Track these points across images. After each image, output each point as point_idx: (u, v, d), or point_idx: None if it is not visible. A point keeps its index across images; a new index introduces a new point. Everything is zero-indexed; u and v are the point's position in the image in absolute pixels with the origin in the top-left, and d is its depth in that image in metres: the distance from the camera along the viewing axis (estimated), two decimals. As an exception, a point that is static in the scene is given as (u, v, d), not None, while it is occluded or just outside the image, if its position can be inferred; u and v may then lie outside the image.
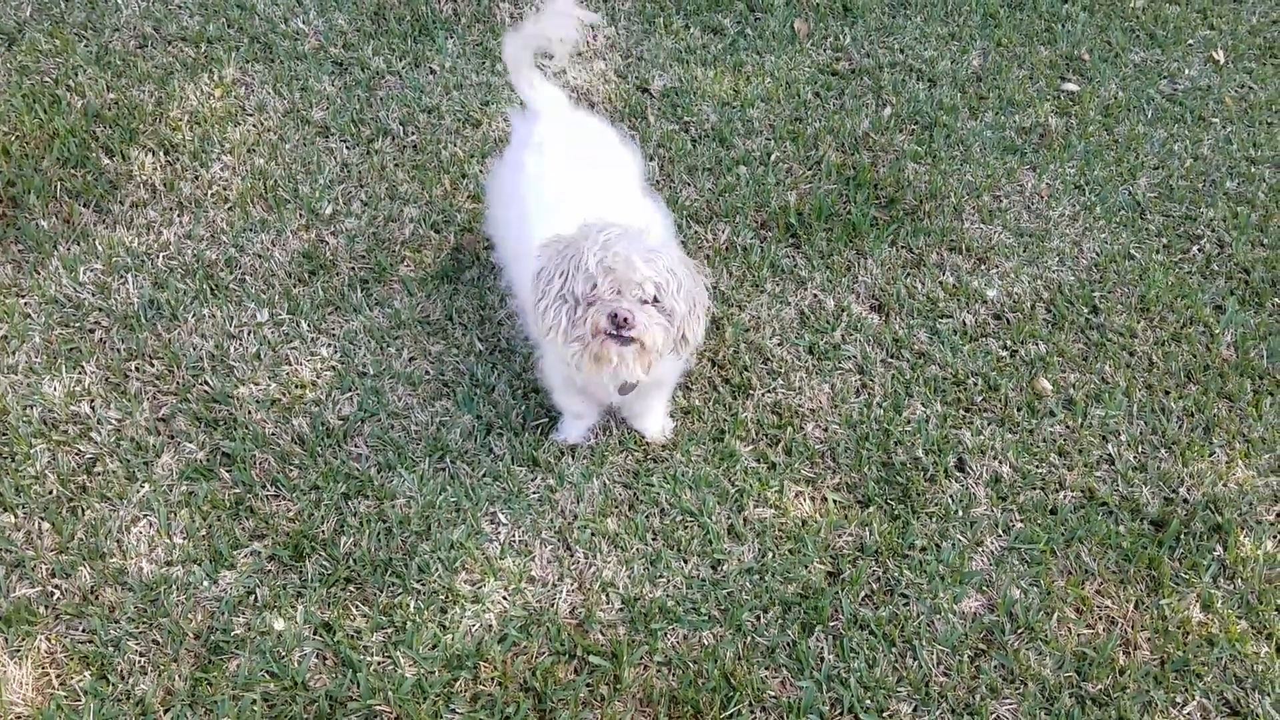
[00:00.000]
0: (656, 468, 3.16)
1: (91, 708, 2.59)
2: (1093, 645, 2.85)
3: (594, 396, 3.00)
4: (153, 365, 3.29)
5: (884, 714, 2.69)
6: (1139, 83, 4.87)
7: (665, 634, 2.83)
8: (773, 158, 4.21)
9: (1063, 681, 2.77)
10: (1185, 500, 3.21)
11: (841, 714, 2.69)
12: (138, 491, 3.00)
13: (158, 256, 3.60)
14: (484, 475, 3.11)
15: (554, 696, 2.67)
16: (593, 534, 3.01)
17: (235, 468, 3.05)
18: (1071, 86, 4.79)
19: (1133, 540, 3.09)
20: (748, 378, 3.40)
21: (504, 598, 2.87)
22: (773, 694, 2.72)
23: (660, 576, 2.94)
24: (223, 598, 2.80)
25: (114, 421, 3.15)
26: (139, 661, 2.68)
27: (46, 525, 2.92)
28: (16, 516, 2.93)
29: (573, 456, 3.17)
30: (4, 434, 3.10)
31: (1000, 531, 3.09)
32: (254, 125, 4.12)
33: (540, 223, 2.81)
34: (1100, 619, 2.93)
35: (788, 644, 2.82)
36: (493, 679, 2.70)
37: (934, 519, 3.10)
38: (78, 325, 3.38)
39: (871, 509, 3.12)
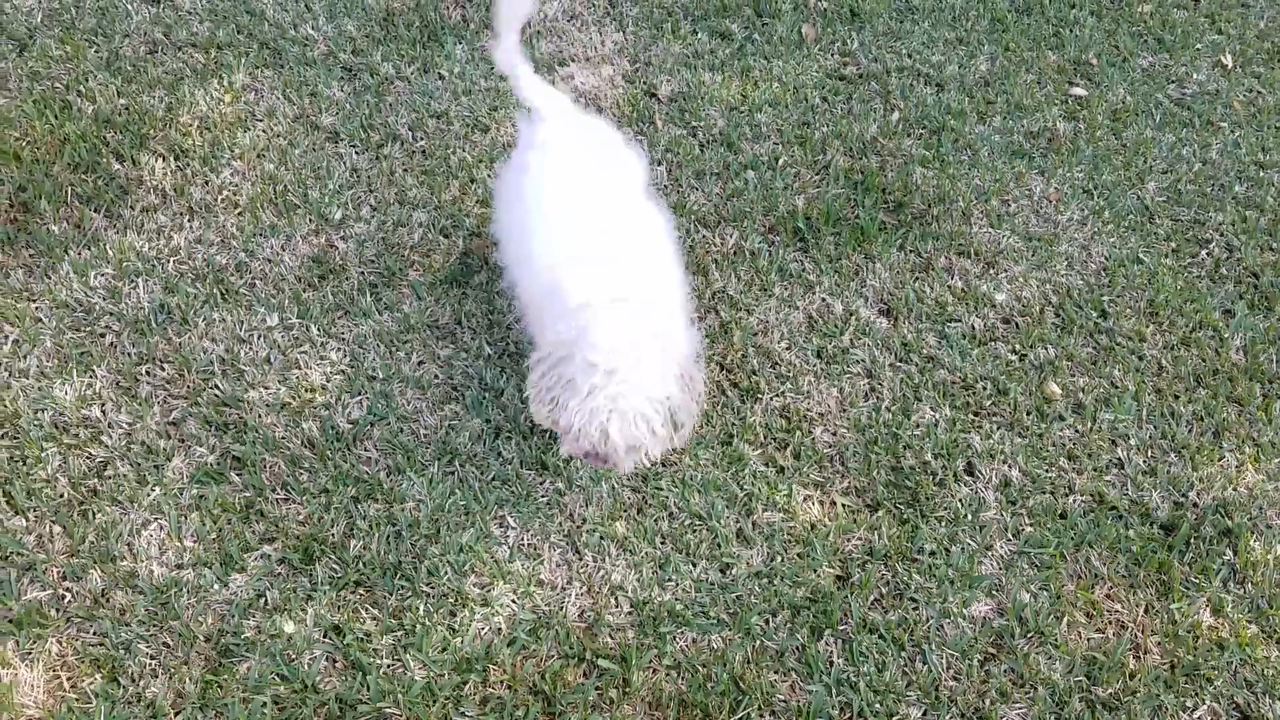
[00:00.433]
0: (665, 472, 3.16)
1: (103, 710, 2.59)
2: (1103, 649, 2.85)
3: None
4: (163, 369, 3.31)
5: (893, 718, 2.69)
6: (1147, 87, 4.87)
7: (674, 637, 2.83)
8: (780, 162, 4.22)
9: (1072, 686, 2.77)
10: (1195, 504, 3.21)
11: (851, 718, 2.70)
12: (148, 495, 3.01)
13: (168, 261, 3.61)
14: (493, 479, 3.12)
15: (563, 700, 2.67)
16: (601, 537, 3.01)
17: (246, 471, 3.06)
18: (1079, 91, 4.79)
19: (1142, 544, 3.08)
20: (756, 382, 3.41)
21: (513, 601, 2.88)
22: (782, 698, 2.73)
23: (669, 580, 2.94)
24: (233, 601, 2.81)
25: (125, 425, 3.16)
26: (150, 664, 2.69)
27: (58, 528, 2.93)
28: (28, 520, 2.94)
29: (581, 460, 3.17)
30: (15, 437, 3.11)
31: (1010, 535, 3.09)
32: (264, 130, 4.14)
33: (541, 223, 2.85)
34: (1110, 623, 2.92)
35: (797, 648, 2.82)
36: (502, 682, 2.71)
37: (943, 523, 3.10)
38: (88, 329, 3.40)
39: (880, 513, 3.12)
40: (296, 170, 3.97)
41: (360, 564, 2.89)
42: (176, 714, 2.61)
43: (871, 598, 2.93)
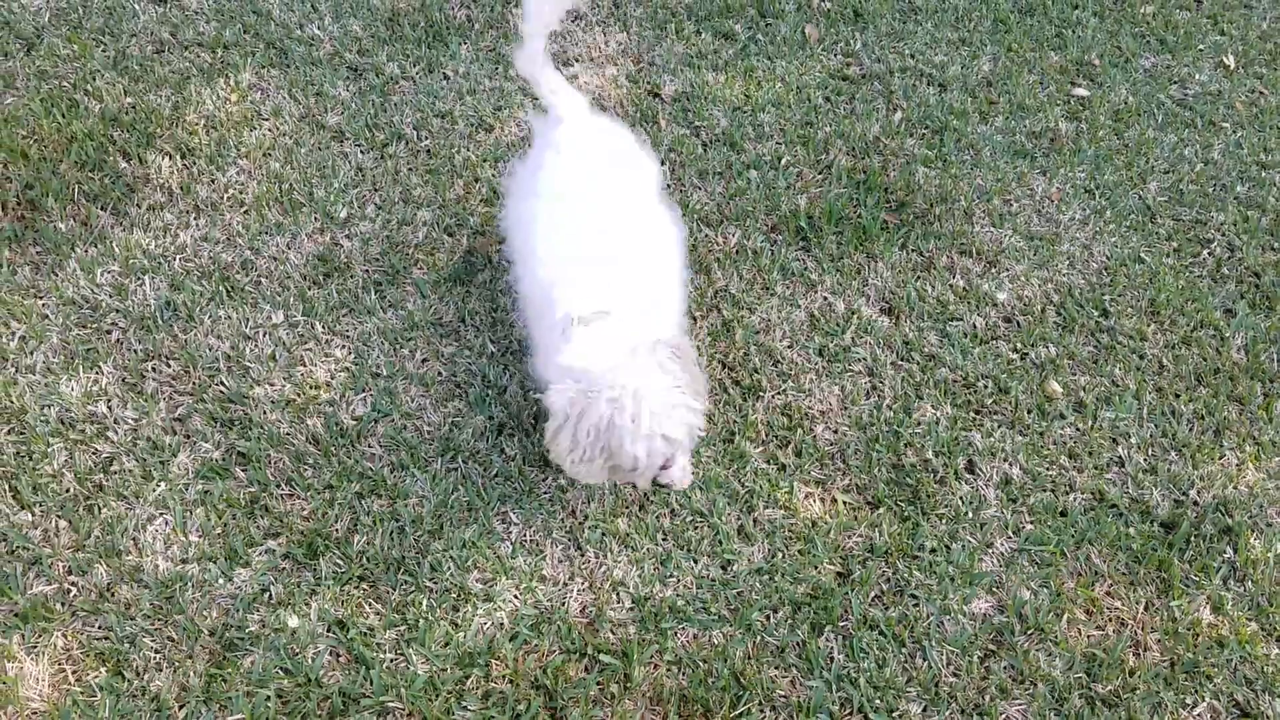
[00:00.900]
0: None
1: (107, 704, 2.61)
2: (1102, 646, 2.86)
3: None
4: (169, 366, 3.33)
5: (893, 714, 2.70)
6: (1149, 88, 4.88)
7: (675, 633, 2.84)
8: (783, 162, 4.23)
9: (1072, 682, 2.78)
10: (1195, 502, 3.22)
11: (851, 714, 2.71)
12: (154, 490, 3.03)
13: (174, 259, 3.64)
14: (495, 475, 3.13)
15: (565, 694, 2.69)
16: (603, 534, 3.03)
17: (250, 467, 3.08)
18: (1082, 91, 4.80)
19: (1143, 542, 3.09)
20: (758, 380, 3.42)
21: (515, 596, 2.89)
22: (782, 693, 2.74)
23: (670, 576, 2.96)
24: (238, 595, 2.83)
25: (130, 421, 3.18)
26: (154, 658, 2.71)
27: (63, 523, 2.95)
28: (34, 514, 2.97)
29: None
30: (22, 433, 3.14)
31: (1010, 533, 3.10)
32: (270, 130, 4.16)
33: (545, 220, 2.87)
34: (1110, 620, 2.93)
35: (797, 644, 2.83)
36: (504, 677, 2.72)
37: (944, 520, 3.11)
38: (95, 326, 3.42)
39: (881, 510, 3.13)
40: (302, 169, 4.00)
41: (364, 559, 2.91)
42: (181, 707, 2.63)
43: (872, 594, 2.94)
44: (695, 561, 2.99)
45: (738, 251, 3.85)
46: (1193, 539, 3.11)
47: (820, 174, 4.21)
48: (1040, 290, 3.82)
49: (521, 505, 3.07)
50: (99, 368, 3.31)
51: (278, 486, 3.05)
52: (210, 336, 3.41)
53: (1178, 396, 3.51)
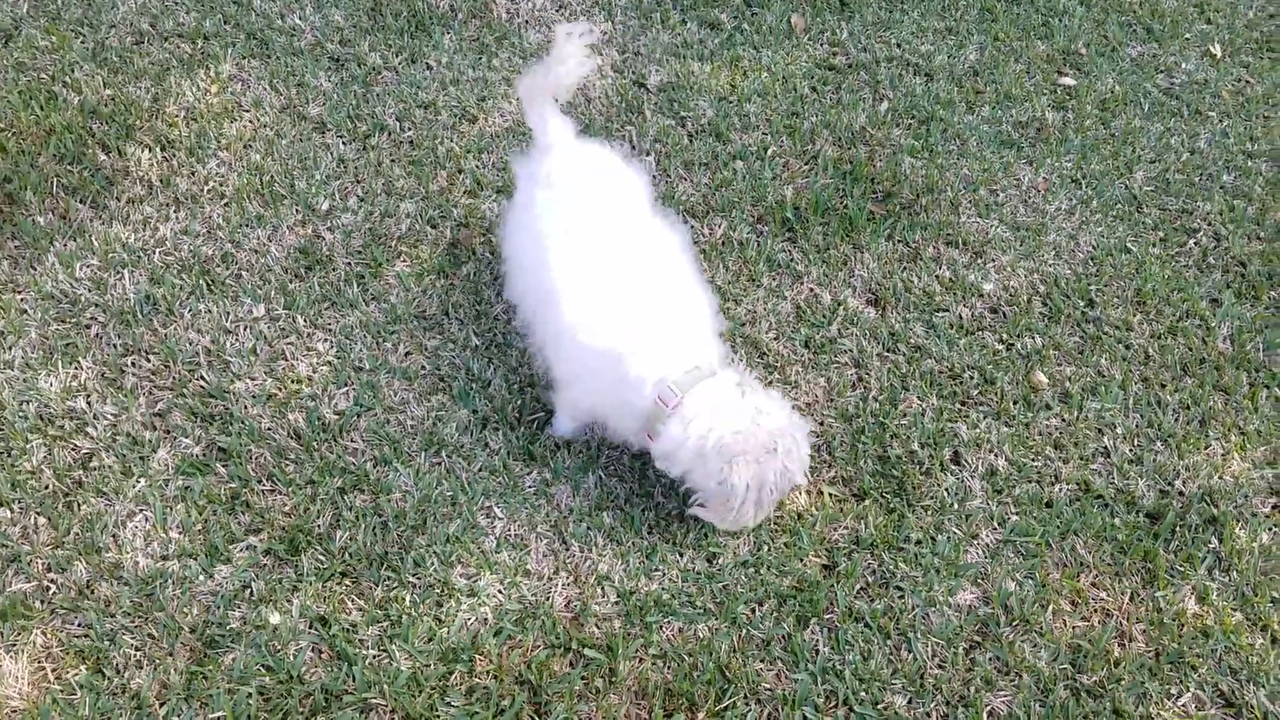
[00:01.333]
0: (652, 461, 3.15)
1: (88, 701, 2.59)
2: (1088, 637, 2.85)
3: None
4: (149, 360, 3.30)
5: (879, 706, 2.70)
6: (1136, 77, 4.87)
7: (661, 627, 2.83)
8: (769, 152, 4.21)
9: (1058, 673, 2.77)
10: (1181, 493, 3.22)
11: (836, 706, 2.70)
12: (134, 486, 3.00)
13: (154, 252, 3.60)
14: (480, 469, 3.11)
15: (549, 689, 2.67)
16: (588, 528, 3.01)
17: (231, 462, 3.06)
18: (1068, 81, 4.79)
19: (1128, 533, 3.09)
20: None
21: (499, 591, 2.87)
22: (768, 686, 2.73)
23: (656, 570, 2.94)
24: (218, 592, 2.80)
25: (110, 416, 3.15)
26: (135, 655, 2.68)
27: (42, 520, 2.92)
28: (13, 511, 2.94)
29: (568, 451, 3.17)
30: (0, 429, 3.10)
31: (996, 524, 3.09)
32: (250, 121, 4.13)
33: (561, 260, 2.85)
34: (1095, 611, 2.93)
35: (783, 637, 2.82)
36: (488, 672, 2.70)
37: (929, 512, 3.10)
38: (74, 321, 3.39)
39: (867, 502, 3.12)
40: (283, 161, 3.96)
41: (346, 555, 2.89)
42: (161, 705, 2.60)
43: (857, 586, 2.93)
44: (681, 555, 2.98)
45: (724, 243, 3.84)
46: (1178, 529, 3.11)
47: (806, 164, 4.19)
48: (1026, 281, 3.81)
49: (506, 500, 3.05)
50: (78, 363, 3.27)
51: (259, 482, 3.03)
52: (190, 331, 3.38)
53: (1163, 387, 3.50)
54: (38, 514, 2.93)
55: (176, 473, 3.04)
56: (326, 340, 3.40)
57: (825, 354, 3.48)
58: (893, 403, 3.36)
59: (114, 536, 2.90)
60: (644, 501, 3.08)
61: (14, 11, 4.51)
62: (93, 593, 2.79)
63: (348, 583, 2.85)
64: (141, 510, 2.96)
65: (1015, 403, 3.39)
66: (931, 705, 2.71)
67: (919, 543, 3.03)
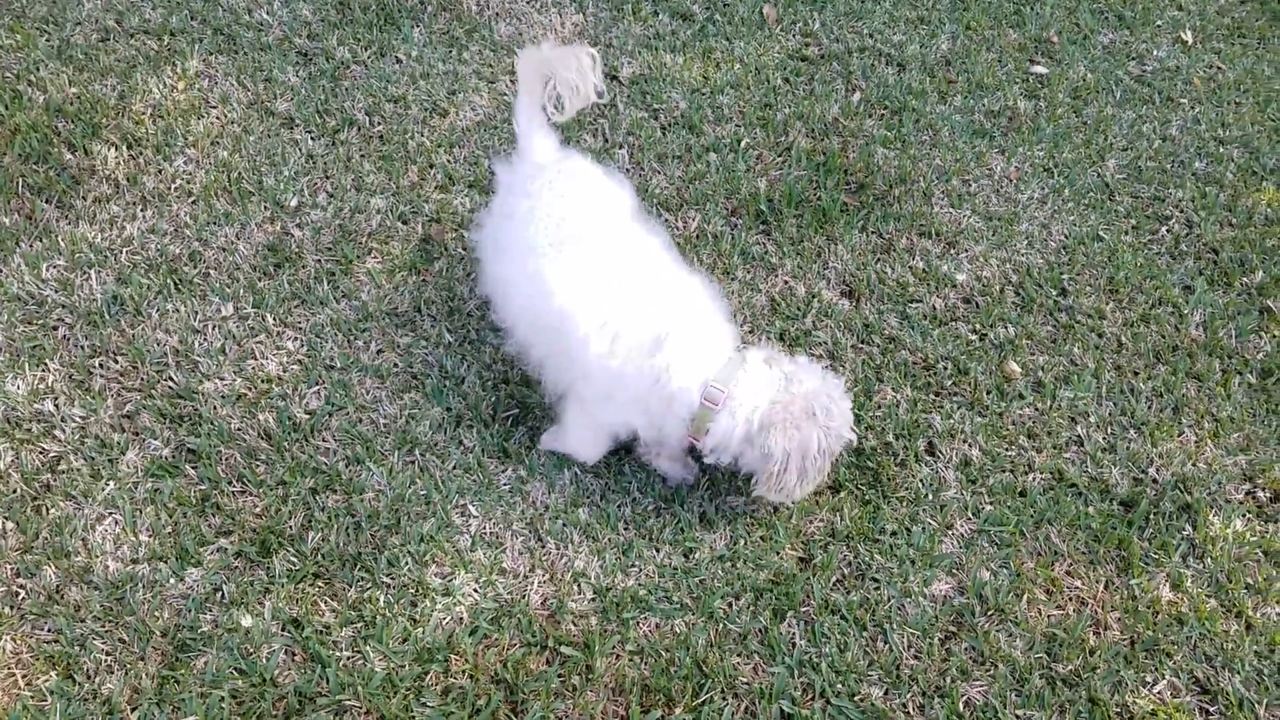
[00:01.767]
0: (627, 457, 3.14)
1: (58, 708, 2.56)
2: (1063, 626, 2.86)
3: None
4: (116, 362, 3.26)
5: (855, 698, 2.70)
6: (1107, 64, 4.88)
7: (637, 623, 2.82)
8: (743, 144, 4.20)
9: (1033, 662, 2.78)
10: (1154, 480, 3.23)
11: (813, 699, 2.70)
12: (103, 489, 2.96)
13: (121, 252, 3.56)
14: (454, 467, 3.09)
15: (525, 688, 2.66)
16: (564, 525, 3.00)
17: (201, 464, 3.03)
18: (1040, 69, 4.80)
19: (1102, 521, 3.10)
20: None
21: (475, 590, 2.86)
22: (744, 680, 2.72)
23: (632, 566, 2.93)
24: (189, 595, 2.77)
25: (78, 419, 3.11)
26: (105, 660, 2.65)
27: (10, 524, 2.89)
28: (-21, 517, 2.90)
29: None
30: (-34, 434, 3.06)
31: (970, 514, 3.09)
32: (218, 118, 4.08)
33: (563, 284, 2.77)
34: (1070, 600, 2.94)
35: (759, 630, 2.82)
36: (464, 671, 2.69)
37: (904, 503, 3.10)
38: (40, 322, 3.34)
39: (842, 494, 3.12)
40: (251, 157, 3.92)
41: (319, 556, 2.86)
42: (133, 710, 2.58)
43: (833, 579, 2.93)
44: (657, 550, 2.97)
45: (698, 236, 3.82)
46: (1152, 517, 3.12)
47: (780, 156, 4.18)
48: (999, 270, 3.81)
49: (481, 498, 3.03)
50: (45, 365, 3.23)
51: (229, 483, 3.00)
52: (158, 331, 3.34)
53: (1136, 374, 3.51)
54: (5, 518, 2.90)
55: (146, 475, 3.00)
56: (297, 339, 3.37)
57: (800, 347, 3.47)
58: (867, 394, 3.36)
59: (83, 540, 2.87)
60: (620, 497, 3.07)
61: (-24, 8, 4.45)
62: (62, 597, 2.76)
63: (320, 584, 2.83)
64: (111, 513, 2.93)
65: (989, 393, 3.40)
66: (908, 696, 2.71)
67: (894, 534, 3.03)
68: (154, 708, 2.58)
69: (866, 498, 3.11)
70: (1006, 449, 3.26)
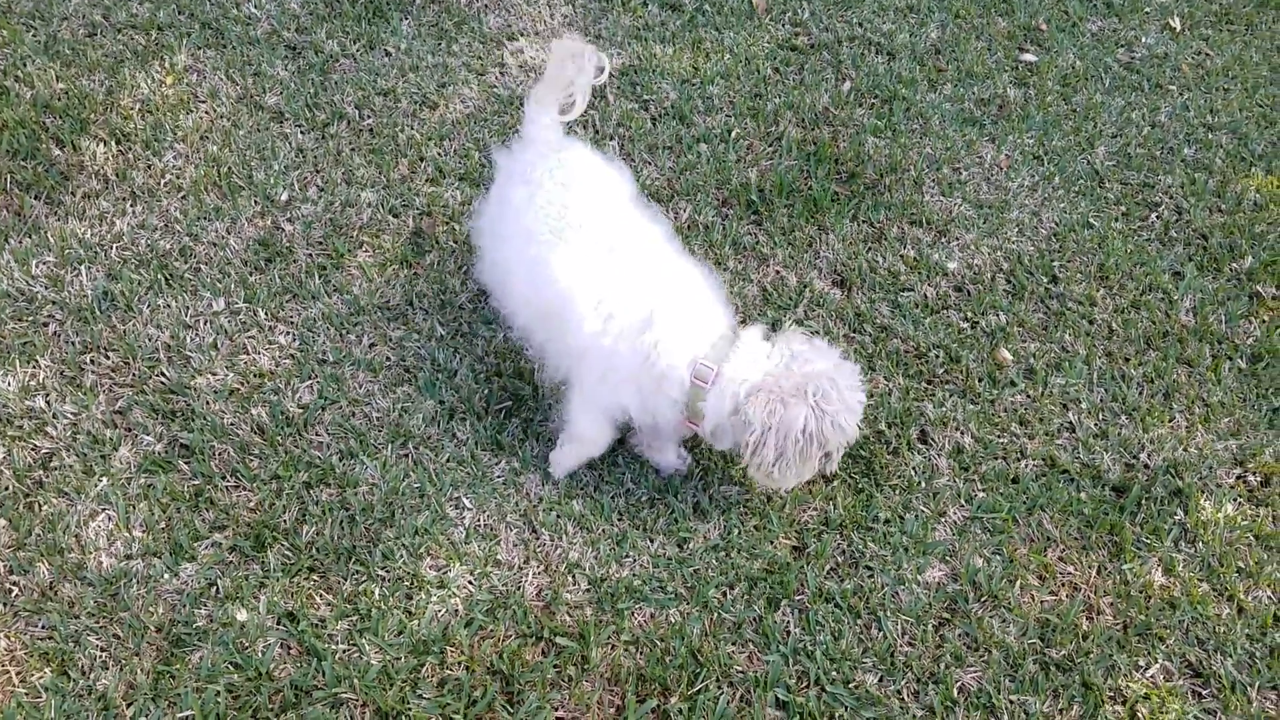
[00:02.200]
0: (621, 449, 3.15)
1: (53, 704, 2.56)
2: (1056, 611, 2.88)
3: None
4: (108, 357, 3.25)
5: (850, 685, 2.71)
6: (1096, 52, 4.89)
7: (632, 613, 2.83)
8: (733, 135, 4.20)
9: (1026, 648, 2.79)
10: (1146, 466, 3.24)
11: (808, 686, 2.71)
12: (95, 485, 2.96)
13: (111, 248, 3.55)
14: (447, 460, 3.09)
15: (521, 679, 2.66)
16: (558, 516, 3.00)
17: (194, 459, 3.02)
18: (1029, 57, 4.80)
19: (1094, 506, 3.11)
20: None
21: (470, 582, 2.86)
22: (739, 669, 2.73)
23: (627, 556, 2.94)
24: (184, 590, 2.77)
25: (70, 415, 3.11)
26: (100, 656, 2.65)
27: (3, 521, 2.88)
28: (-28, 514, 2.89)
29: (537, 440, 3.16)
30: (-43, 431, 3.06)
31: (963, 502, 3.10)
32: (207, 112, 4.07)
33: (553, 255, 2.76)
34: (1063, 585, 2.95)
35: (754, 619, 2.83)
36: (459, 663, 2.69)
37: (897, 491, 3.11)
38: (31, 319, 3.33)
39: (836, 483, 3.12)
40: (241, 152, 3.91)
41: (313, 550, 2.86)
42: (129, 706, 2.58)
43: (827, 567, 2.94)
44: (651, 541, 2.98)
45: (689, 226, 3.82)
46: (1144, 502, 3.14)
47: (770, 146, 4.18)
48: (990, 258, 3.82)
49: (475, 490, 3.04)
50: (36, 361, 3.22)
51: (222, 478, 2.99)
52: (150, 326, 3.33)
53: (1127, 360, 3.53)
54: (-2, 516, 2.89)
55: (139, 471, 3.00)
56: (289, 333, 3.36)
57: (792, 336, 3.47)
58: (860, 383, 3.37)
59: (76, 537, 2.86)
60: (614, 489, 3.08)
61: (-39, 4, 4.42)
62: (56, 594, 2.76)
63: (315, 578, 2.83)
64: (104, 509, 2.92)
65: (981, 380, 3.41)
66: (902, 682, 2.72)
67: (887, 522, 3.04)
68: (150, 703, 2.58)
69: (860, 486, 3.12)
70: (999, 436, 3.27)
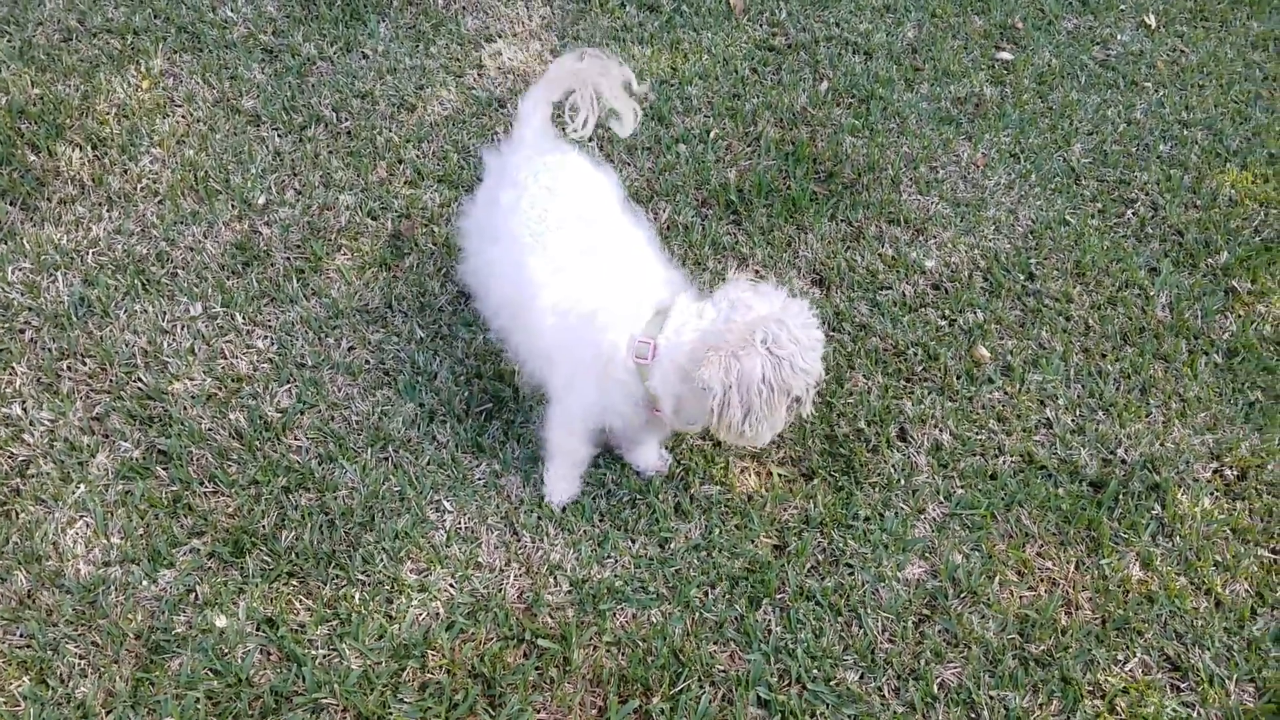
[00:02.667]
0: (602, 450, 3.14)
1: (31, 713, 2.54)
2: (1034, 607, 2.89)
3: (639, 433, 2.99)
4: (85, 364, 3.23)
5: (831, 682, 2.71)
6: (1072, 49, 4.92)
7: (614, 614, 2.83)
8: (712, 135, 4.21)
9: (1006, 643, 2.81)
10: (1123, 461, 3.26)
11: (789, 684, 2.71)
12: (73, 492, 2.94)
13: (87, 253, 3.53)
14: (428, 463, 3.09)
15: (503, 681, 2.66)
16: (539, 518, 3.00)
17: (172, 465, 3.01)
18: (1005, 55, 4.82)
19: (1072, 502, 3.13)
20: (690, 355, 3.39)
21: (451, 585, 2.86)
22: (721, 668, 2.74)
23: (608, 557, 2.94)
24: (163, 597, 2.76)
25: (47, 422, 3.09)
26: (79, 664, 2.64)
27: (-21, 530, 2.86)
28: (-52, 523, 2.87)
29: (518, 442, 3.16)
30: (-68, 439, 3.04)
31: (942, 498, 3.12)
32: (183, 116, 4.05)
33: (533, 259, 2.74)
34: (1041, 581, 2.97)
35: (735, 618, 2.83)
36: (441, 667, 2.69)
37: (877, 489, 3.12)
38: (6, 326, 3.31)
39: (816, 481, 3.13)
40: (217, 155, 3.90)
41: (292, 555, 2.85)
42: (108, 713, 2.56)
43: (808, 565, 2.95)
44: (633, 541, 2.98)
45: (669, 227, 3.83)
46: (1121, 497, 3.16)
47: (749, 146, 4.19)
48: (967, 256, 3.84)
49: (455, 493, 3.03)
50: (12, 368, 3.20)
51: (200, 484, 2.98)
52: (126, 332, 3.32)
53: (1104, 356, 3.55)
54: (-26, 525, 2.87)
55: (116, 477, 2.99)
56: (266, 337, 3.35)
57: (771, 335, 3.48)
58: (839, 381, 3.38)
59: (54, 544, 2.85)
60: (595, 490, 3.08)
61: (-66, 10, 4.39)
62: (34, 602, 2.74)
63: (295, 583, 2.82)
64: (82, 516, 2.91)
65: (959, 377, 3.42)
66: (883, 679, 2.73)
67: (867, 519, 3.05)
68: (129, 710, 2.57)
69: (839, 484, 3.13)
70: (977, 433, 3.29)
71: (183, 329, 3.34)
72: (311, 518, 2.93)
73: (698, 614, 2.84)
